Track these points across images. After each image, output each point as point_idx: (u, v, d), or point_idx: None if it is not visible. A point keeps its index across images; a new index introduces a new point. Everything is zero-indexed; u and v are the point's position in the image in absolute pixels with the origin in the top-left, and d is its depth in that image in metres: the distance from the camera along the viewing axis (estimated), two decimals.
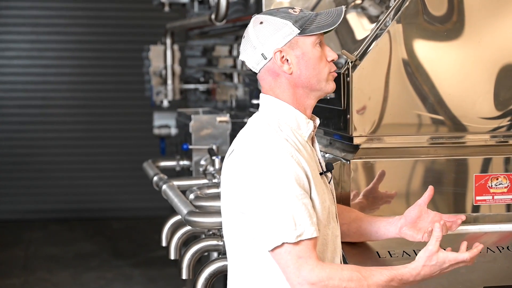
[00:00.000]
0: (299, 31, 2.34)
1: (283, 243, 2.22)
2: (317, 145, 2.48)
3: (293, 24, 2.34)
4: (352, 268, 2.27)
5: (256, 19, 2.39)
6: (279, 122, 2.37)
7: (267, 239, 2.25)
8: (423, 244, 2.71)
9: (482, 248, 2.34)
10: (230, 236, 2.41)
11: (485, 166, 2.97)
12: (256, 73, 2.43)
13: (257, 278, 2.35)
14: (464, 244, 2.36)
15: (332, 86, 2.42)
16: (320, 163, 2.45)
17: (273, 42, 2.34)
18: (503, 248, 2.80)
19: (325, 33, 2.40)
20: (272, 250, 2.26)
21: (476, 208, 2.97)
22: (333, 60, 2.41)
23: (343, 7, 2.40)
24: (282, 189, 2.24)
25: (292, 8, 2.39)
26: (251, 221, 2.29)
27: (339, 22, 2.37)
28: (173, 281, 6.58)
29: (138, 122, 9.07)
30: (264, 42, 2.35)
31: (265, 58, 2.36)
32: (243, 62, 2.46)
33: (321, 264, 2.24)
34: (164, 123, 6.16)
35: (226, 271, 2.63)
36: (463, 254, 2.31)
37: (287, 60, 2.36)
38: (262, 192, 2.25)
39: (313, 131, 2.45)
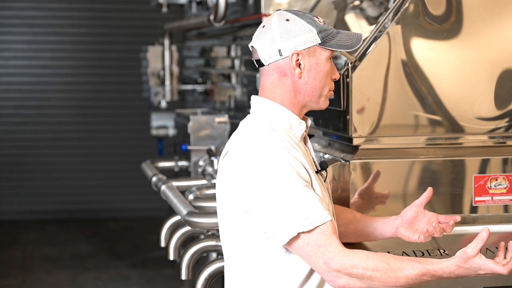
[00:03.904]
0: (320, 41, 2.37)
1: (298, 234, 2.22)
2: (310, 144, 2.49)
3: (317, 33, 2.37)
4: (379, 257, 2.24)
5: (282, 15, 2.40)
6: (272, 123, 2.38)
7: (281, 233, 2.25)
8: (423, 244, 2.72)
9: None
10: (229, 236, 2.41)
11: (483, 167, 2.98)
12: (258, 66, 2.42)
13: (258, 278, 2.35)
14: (510, 245, 2.25)
15: (327, 103, 2.46)
16: (314, 162, 2.47)
17: (294, 42, 2.36)
18: None
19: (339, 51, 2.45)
20: (290, 243, 2.25)
21: (474, 209, 2.98)
22: (335, 79, 2.45)
23: (362, 34, 2.45)
24: (286, 181, 2.25)
25: (317, 17, 2.41)
26: (258, 219, 2.29)
27: (357, 47, 2.42)
28: (170, 281, 6.58)
29: (136, 123, 9.05)
30: (285, 40, 2.36)
31: (280, 55, 2.37)
32: (251, 48, 2.43)
33: (344, 251, 2.23)
34: (162, 124, 6.15)
35: None
36: (499, 268, 2.21)
37: (300, 64, 2.38)
38: (267, 188, 2.25)
39: (305, 131, 2.46)
